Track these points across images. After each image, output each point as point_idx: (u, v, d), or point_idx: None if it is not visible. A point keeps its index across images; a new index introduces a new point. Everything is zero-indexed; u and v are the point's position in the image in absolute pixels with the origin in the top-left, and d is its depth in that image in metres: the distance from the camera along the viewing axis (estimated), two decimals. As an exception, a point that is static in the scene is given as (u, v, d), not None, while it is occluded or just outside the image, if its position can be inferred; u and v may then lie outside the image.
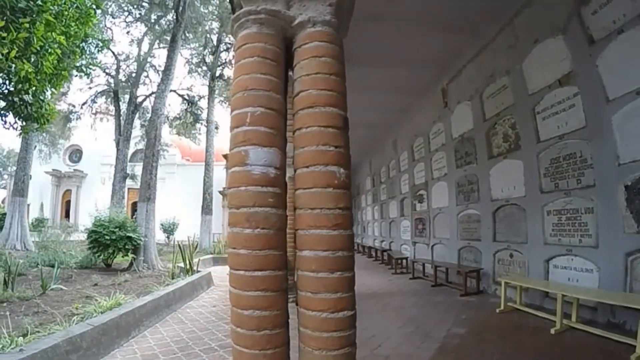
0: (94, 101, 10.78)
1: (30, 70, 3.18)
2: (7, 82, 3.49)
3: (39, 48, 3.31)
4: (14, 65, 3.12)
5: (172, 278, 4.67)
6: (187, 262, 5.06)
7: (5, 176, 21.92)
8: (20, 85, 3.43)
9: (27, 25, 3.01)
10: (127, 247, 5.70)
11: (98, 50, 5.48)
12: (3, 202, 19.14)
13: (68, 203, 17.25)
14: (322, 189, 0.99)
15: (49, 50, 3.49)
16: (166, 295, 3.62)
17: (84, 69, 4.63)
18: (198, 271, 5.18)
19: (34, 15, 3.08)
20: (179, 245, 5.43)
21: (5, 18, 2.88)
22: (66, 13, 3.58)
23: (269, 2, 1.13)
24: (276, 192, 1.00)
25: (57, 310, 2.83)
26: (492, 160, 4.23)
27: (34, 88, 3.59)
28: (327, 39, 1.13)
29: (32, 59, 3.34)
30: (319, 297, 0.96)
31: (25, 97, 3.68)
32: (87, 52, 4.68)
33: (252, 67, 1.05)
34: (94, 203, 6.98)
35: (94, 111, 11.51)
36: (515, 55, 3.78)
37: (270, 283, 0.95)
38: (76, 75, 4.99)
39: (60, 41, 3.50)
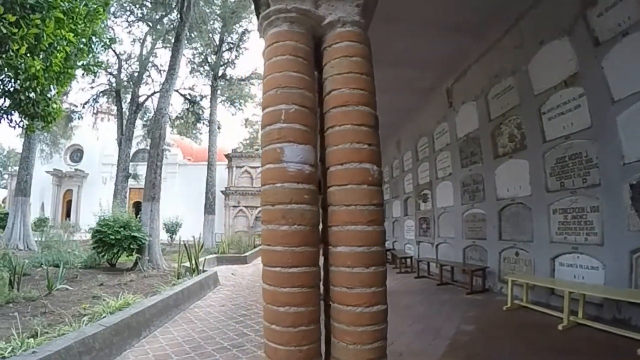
0: (95, 101, 10.73)
1: (39, 67, 3.16)
2: (14, 79, 3.46)
3: (47, 45, 3.28)
4: (22, 62, 3.09)
5: (178, 278, 4.66)
6: (194, 261, 5.06)
7: (6, 176, 21.72)
8: (27, 83, 3.40)
9: (37, 21, 2.96)
10: (132, 246, 5.67)
11: (105, 49, 5.45)
12: (4, 201, 18.97)
13: (69, 203, 17.15)
14: (357, 185, 1.01)
15: (58, 47, 3.46)
16: (175, 295, 3.61)
17: (90, 68, 4.58)
18: (204, 271, 5.18)
19: (44, 12, 3.06)
20: (184, 245, 5.42)
21: (16, 14, 2.85)
22: (76, 10, 3.55)
23: (298, 1, 1.16)
24: (311, 189, 1.02)
25: (64, 311, 2.81)
26: (497, 159, 4.28)
27: (41, 86, 3.55)
28: (357, 39, 1.16)
29: (41, 57, 3.31)
30: (355, 292, 0.98)
31: (32, 95, 3.66)
32: (94, 51, 4.65)
33: (285, 65, 1.07)
34: (99, 202, 6.93)
35: (95, 111, 11.45)
36: (521, 56, 3.83)
37: (306, 279, 0.97)
38: (82, 74, 4.94)
39: (69, 39, 3.47)
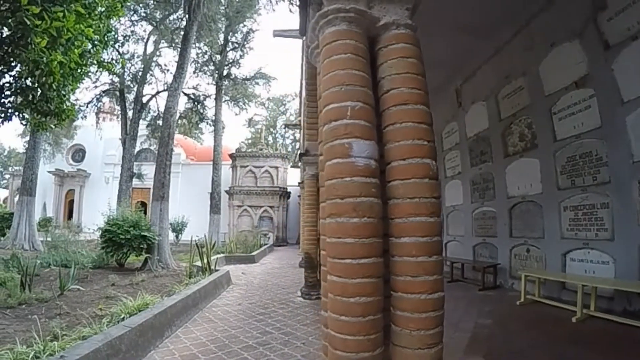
0: (99, 100, 10.63)
1: (61, 60, 3.11)
2: (30, 75, 3.39)
3: (66, 40, 3.22)
4: (44, 56, 3.02)
5: (190, 277, 4.66)
6: (205, 260, 5.06)
7: (7, 176, 21.31)
8: (44, 79, 3.34)
9: (60, 14, 2.89)
10: (141, 246, 5.65)
11: (119, 46, 5.40)
12: (4, 201, 18.62)
13: (71, 203, 16.94)
14: (419, 179, 1.07)
15: (75, 42, 3.40)
16: (193, 294, 3.55)
17: (105, 65, 4.52)
18: (216, 270, 5.18)
19: (66, 5, 3.01)
20: (196, 244, 5.42)
21: (39, 5, 2.80)
22: (96, 5, 3.50)
23: (353, 2, 1.21)
24: (377, 183, 1.08)
25: (79, 312, 2.77)
26: (508, 158, 4.39)
27: (56, 82, 3.49)
28: (412, 42, 1.23)
29: (59, 51, 3.25)
30: (419, 280, 1.04)
31: (47, 92, 3.60)
32: (108, 48, 4.59)
33: (348, 63, 1.12)
34: (107, 202, 6.88)
35: (96, 110, 11.33)
36: (531, 57, 3.94)
37: (375, 270, 1.03)
38: (96, 71, 4.87)
39: (88, 34, 3.41)
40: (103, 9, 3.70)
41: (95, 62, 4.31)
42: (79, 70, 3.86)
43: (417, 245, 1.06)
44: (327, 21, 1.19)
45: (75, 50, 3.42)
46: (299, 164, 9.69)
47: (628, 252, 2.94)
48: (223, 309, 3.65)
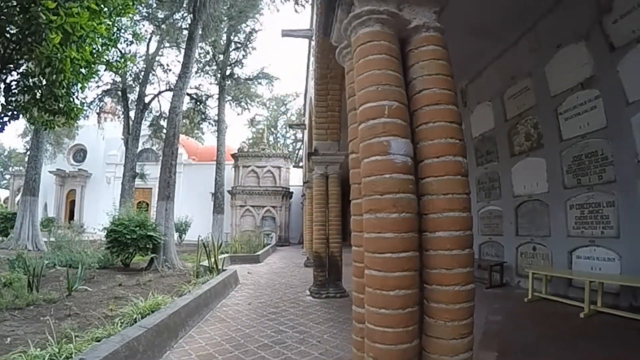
0: (101, 100, 10.59)
1: (76, 57, 3.09)
2: (40, 73, 3.36)
3: (78, 37, 3.17)
4: (58, 52, 2.99)
5: (197, 277, 4.66)
6: (213, 260, 5.07)
7: (7, 176, 21.09)
8: (54, 77, 3.31)
9: (75, 10, 2.86)
10: (147, 246, 5.65)
11: (128, 45, 5.38)
12: (5, 201, 18.46)
13: (72, 203, 16.84)
14: (452, 176, 1.12)
15: (87, 40, 3.38)
16: (204, 294, 3.51)
17: (114, 64, 4.50)
18: (224, 270, 5.19)
19: (80, 1, 2.99)
20: (203, 244, 5.43)
21: (55, 1, 2.76)
22: (109, 2, 3.48)
23: (383, 4, 1.25)
24: (413, 180, 1.12)
25: (89, 313, 2.74)
26: (514, 158, 4.46)
27: (67, 80, 3.46)
28: (441, 44, 1.28)
29: (73, 48, 3.22)
30: (454, 272, 1.09)
31: (56, 90, 3.57)
32: (117, 46, 4.55)
33: (383, 63, 1.17)
34: (112, 202, 6.86)
35: (98, 110, 11.29)
36: (537, 58, 4.01)
37: (413, 263, 1.07)
38: (105, 70, 4.82)
39: (100, 31, 3.36)
40: (114, 7, 3.68)
41: (104, 60, 4.29)
42: (89, 69, 3.84)
43: (452, 239, 1.11)
44: (361, 22, 1.23)
45: (87, 47, 3.40)
46: (306, 163, 9.68)
47: (633, 249, 3.01)
48: (234, 308, 3.65)
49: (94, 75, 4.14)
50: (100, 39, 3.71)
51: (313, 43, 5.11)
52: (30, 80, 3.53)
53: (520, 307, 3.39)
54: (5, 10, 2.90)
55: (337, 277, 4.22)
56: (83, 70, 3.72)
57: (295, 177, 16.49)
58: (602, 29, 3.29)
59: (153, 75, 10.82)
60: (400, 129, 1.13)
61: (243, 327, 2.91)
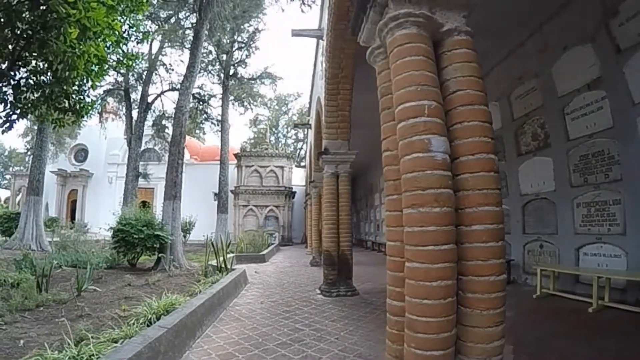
0: (103, 99, 10.56)
1: (95, 52, 3.07)
2: (50, 70, 3.32)
3: (93, 33, 3.12)
4: (76, 48, 2.96)
5: (206, 276, 4.67)
6: (222, 259, 5.09)
7: (8, 176, 20.90)
8: (66, 73, 3.27)
9: (94, 4, 2.81)
10: (155, 245, 5.65)
11: (139, 42, 5.34)
12: (6, 201, 18.30)
13: (73, 203, 16.75)
14: (487, 173, 1.18)
15: (101, 36, 3.36)
16: (217, 293, 3.45)
17: (125, 62, 4.48)
18: (233, 269, 5.22)
19: None
20: (211, 243, 5.45)
21: None
22: None
23: (418, 7, 1.31)
24: (451, 176, 1.18)
25: (101, 313, 2.71)
26: (521, 157, 4.54)
27: (79, 77, 3.43)
28: (472, 47, 1.33)
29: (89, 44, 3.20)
30: (489, 263, 1.14)
31: (67, 88, 3.53)
32: (127, 44, 4.51)
33: (421, 64, 1.22)
34: (118, 202, 6.85)
35: (100, 110, 11.24)
36: (544, 59, 4.09)
37: (453, 255, 1.13)
38: (115, 68, 4.77)
39: (116, 27, 3.31)
40: (128, 4, 3.65)
41: (117, 57, 4.27)
42: (100, 66, 3.81)
43: (487, 232, 1.16)
44: (398, 24, 1.28)
45: (101, 44, 3.38)
46: (311, 163, 9.69)
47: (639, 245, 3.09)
48: (247, 307, 3.63)
49: (105, 73, 4.11)
50: (114, 36, 3.70)
51: (322, 43, 5.15)
52: (40, 77, 3.51)
53: (530, 303, 3.46)
54: (15, 6, 2.86)
55: (347, 276, 4.26)
56: (95, 68, 3.71)
57: (297, 177, 16.51)
58: (609, 31, 3.37)
59: (156, 74, 10.80)
60: (439, 127, 1.18)
61: (259, 325, 2.91)
